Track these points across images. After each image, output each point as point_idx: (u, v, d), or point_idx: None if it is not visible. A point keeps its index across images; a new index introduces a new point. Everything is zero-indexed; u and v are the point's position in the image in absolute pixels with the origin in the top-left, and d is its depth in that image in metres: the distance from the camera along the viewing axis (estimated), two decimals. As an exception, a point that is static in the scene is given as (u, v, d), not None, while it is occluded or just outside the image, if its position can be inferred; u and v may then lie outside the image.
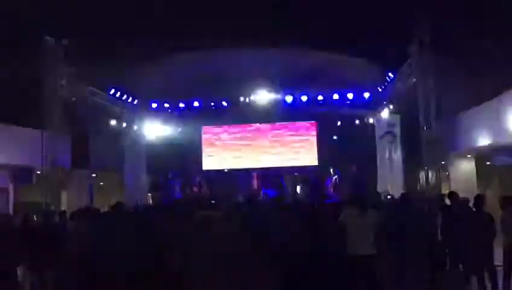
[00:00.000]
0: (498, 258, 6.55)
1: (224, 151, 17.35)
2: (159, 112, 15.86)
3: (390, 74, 13.05)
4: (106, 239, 6.14)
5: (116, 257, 5.93)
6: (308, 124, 17.05)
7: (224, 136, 17.46)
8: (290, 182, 16.05)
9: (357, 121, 15.67)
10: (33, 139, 11.92)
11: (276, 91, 14.94)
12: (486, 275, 6.47)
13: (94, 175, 16.00)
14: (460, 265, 7.19)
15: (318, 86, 14.41)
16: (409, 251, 6.48)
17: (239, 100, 15.21)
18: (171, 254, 4.20)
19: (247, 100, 15.17)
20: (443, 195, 8.82)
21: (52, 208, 10.62)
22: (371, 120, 15.25)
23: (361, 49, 13.02)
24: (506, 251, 6.30)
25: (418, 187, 12.31)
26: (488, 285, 6.47)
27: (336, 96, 14.48)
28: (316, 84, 14.35)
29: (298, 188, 15.83)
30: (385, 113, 14.27)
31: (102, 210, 8.32)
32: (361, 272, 5.43)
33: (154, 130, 16.38)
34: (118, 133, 15.56)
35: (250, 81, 14.54)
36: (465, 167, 14.08)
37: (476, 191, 9.82)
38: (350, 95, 14.42)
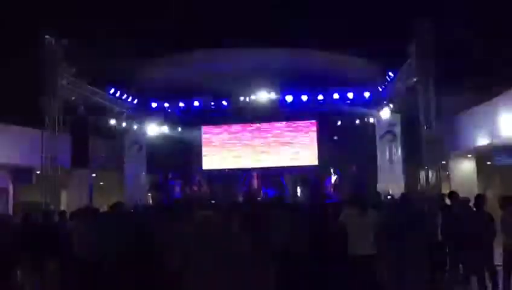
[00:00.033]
0: (498, 258, 6.54)
1: (224, 151, 17.32)
2: (159, 111, 15.86)
3: (390, 74, 13.02)
4: (106, 239, 6.14)
5: (116, 256, 5.93)
6: (309, 124, 17.01)
7: (224, 135, 17.44)
8: (290, 181, 16.02)
9: (357, 121, 15.62)
10: (33, 139, 11.91)
11: (276, 91, 14.91)
12: (486, 275, 6.46)
13: (94, 175, 16.00)
14: (461, 265, 7.19)
15: (318, 86, 14.38)
16: (409, 251, 6.47)
17: (239, 100, 15.19)
18: (171, 254, 4.18)
19: (247, 100, 15.14)
20: (443, 195, 8.80)
21: (52, 207, 10.62)
22: (371, 120, 15.22)
23: (361, 49, 13.01)
24: (506, 250, 6.29)
25: (418, 187, 12.28)
26: (489, 285, 6.46)
27: (336, 96, 14.45)
28: (316, 84, 14.32)
29: (298, 188, 15.81)
30: (385, 113, 14.24)
31: (102, 210, 8.31)
32: (361, 272, 5.42)
33: (154, 129, 16.38)
34: (117, 133, 15.56)
35: (250, 81, 14.52)
36: (466, 167, 14.08)
37: (476, 191, 9.83)
38: (350, 95, 14.39)
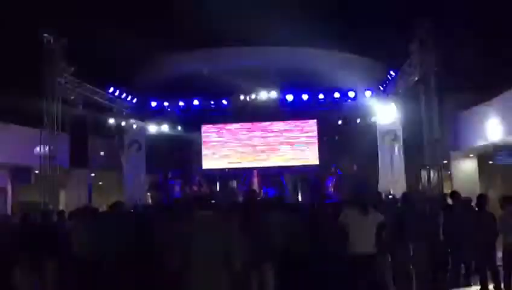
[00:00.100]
0: (498, 258, 6.50)
1: (224, 150, 17.26)
2: (159, 110, 15.78)
3: (392, 72, 12.96)
4: (105, 239, 6.10)
5: (115, 256, 5.89)
6: (309, 123, 16.95)
7: (224, 135, 17.38)
8: (291, 181, 15.97)
9: (358, 120, 15.56)
10: (31, 139, 11.86)
11: (277, 90, 14.85)
12: (488, 274, 6.42)
13: (93, 175, 15.94)
14: (462, 265, 7.15)
15: (319, 85, 14.32)
16: (410, 250, 6.43)
17: (239, 99, 15.12)
18: (170, 254, 4.14)
19: (247, 99, 15.08)
20: (445, 195, 8.77)
21: (51, 207, 10.57)
22: (372, 119, 15.16)
23: (363, 48, 12.98)
24: (506, 250, 6.25)
25: (420, 187, 12.23)
26: (490, 285, 6.42)
27: (337, 95, 14.37)
28: (317, 83, 14.26)
29: (298, 188, 15.76)
30: (387, 112, 14.18)
31: (101, 210, 8.27)
32: (361, 271, 5.38)
33: (154, 129, 16.32)
34: (117, 132, 15.50)
35: (250, 80, 14.46)
36: (467, 166, 14.03)
37: (478, 191, 9.80)
38: (351, 94, 14.32)
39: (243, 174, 16.42)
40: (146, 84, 15.11)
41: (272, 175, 16.17)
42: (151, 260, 5.52)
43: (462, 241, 6.70)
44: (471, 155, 13.81)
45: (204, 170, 17.09)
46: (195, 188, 15.63)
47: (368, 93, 14.31)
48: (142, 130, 16.11)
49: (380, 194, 10.38)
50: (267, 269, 5.59)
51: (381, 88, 14.12)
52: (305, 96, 14.61)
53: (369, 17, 13.43)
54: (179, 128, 16.75)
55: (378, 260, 5.68)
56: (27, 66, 11.75)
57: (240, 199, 14.21)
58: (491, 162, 13.26)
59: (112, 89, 14.28)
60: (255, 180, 15.93)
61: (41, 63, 11.14)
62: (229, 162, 17.16)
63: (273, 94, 14.89)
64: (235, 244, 3.92)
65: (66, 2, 13.69)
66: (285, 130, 17.10)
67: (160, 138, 16.34)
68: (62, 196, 13.11)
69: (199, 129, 17.28)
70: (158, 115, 15.97)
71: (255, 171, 16.15)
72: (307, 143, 16.89)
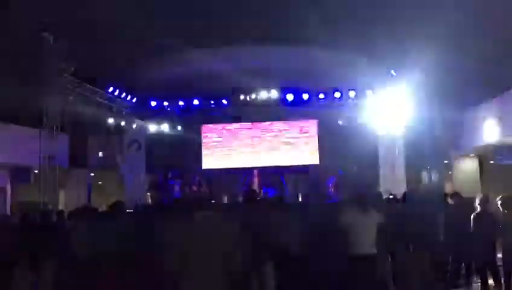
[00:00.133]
0: (498, 258, 6.48)
1: (224, 150, 17.24)
2: (159, 110, 15.76)
3: (392, 72, 12.94)
4: (105, 239, 6.07)
5: (115, 256, 5.86)
6: (309, 123, 16.93)
7: (224, 135, 17.35)
8: (291, 181, 15.96)
9: (358, 120, 15.53)
10: (31, 138, 11.84)
11: (277, 89, 14.82)
12: (488, 274, 6.40)
13: (92, 174, 15.92)
14: (463, 265, 7.12)
15: (319, 84, 14.29)
16: (410, 250, 6.41)
17: (239, 99, 15.10)
18: (170, 254, 4.13)
19: (247, 99, 15.06)
20: (446, 195, 8.74)
21: (50, 207, 10.55)
22: (373, 119, 15.12)
23: (363, 47, 12.93)
24: (505, 250, 6.22)
25: (421, 187, 12.22)
26: (491, 285, 6.39)
27: (337, 95, 14.36)
28: (317, 82, 14.24)
29: (298, 188, 15.74)
30: (387, 112, 14.16)
31: (100, 210, 8.24)
32: (361, 272, 5.35)
33: (154, 128, 16.30)
34: (116, 132, 15.48)
35: (250, 79, 14.42)
36: (468, 166, 13.99)
37: (479, 191, 9.77)
38: (352, 93, 14.30)
39: (243, 174, 16.40)
40: (146, 84, 15.07)
41: (272, 175, 16.16)
42: (151, 260, 5.50)
43: (462, 242, 6.67)
44: (472, 155, 13.78)
45: (204, 170, 17.07)
46: (195, 188, 15.62)
47: (368, 92, 14.29)
48: (141, 130, 16.10)
49: (380, 194, 10.37)
50: (267, 269, 5.56)
51: (382, 87, 14.09)
52: (305, 96, 14.59)
53: (370, 16, 13.39)
54: (179, 128, 16.73)
55: (379, 261, 5.66)
56: (27, 65, 11.72)
57: (240, 199, 14.19)
58: (492, 162, 13.23)
59: (111, 89, 14.26)
60: (255, 180, 15.93)
61: (41, 62, 11.12)
62: (229, 162, 17.14)
63: (273, 94, 14.88)
64: (235, 245, 3.90)
65: (66, 2, 13.66)
66: (285, 130, 17.07)
67: (160, 137, 16.33)
68: (61, 195, 13.09)
69: (199, 129, 17.26)
70: (158, 114, 15.96)
71: (255, 171, 16.14)
72: (307, 143, 16.86)
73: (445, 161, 12.25)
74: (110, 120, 14.69)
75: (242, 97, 15.03)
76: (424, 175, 11.32)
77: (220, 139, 17.34)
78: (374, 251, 5.42)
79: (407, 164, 14.07)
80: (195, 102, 15.11)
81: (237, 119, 16.77)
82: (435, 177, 10.69)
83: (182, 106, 15.34)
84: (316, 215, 6.41)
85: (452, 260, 7.26)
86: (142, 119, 15.91)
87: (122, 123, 15.22)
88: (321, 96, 14.50)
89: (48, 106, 11.30)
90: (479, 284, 6.49)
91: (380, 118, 14.75)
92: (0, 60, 12.71)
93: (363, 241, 5.39)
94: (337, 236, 5.55)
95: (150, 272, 5.55)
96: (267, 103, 15.09)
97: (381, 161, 14.63)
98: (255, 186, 15.56)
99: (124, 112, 15.18)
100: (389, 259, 6.92)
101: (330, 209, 6.84)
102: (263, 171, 16.33)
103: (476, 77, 12.22)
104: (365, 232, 5.42)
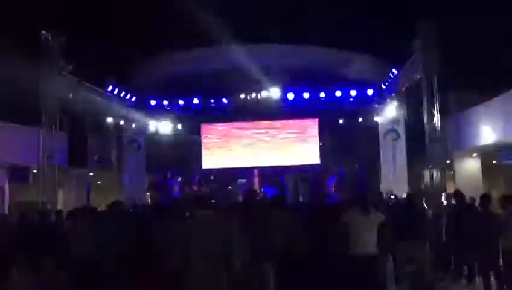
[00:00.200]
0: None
1: (224, 150, 17.16)
2: (158, 109, 15.68)
3: (394, 70, 12.86)
4: (104, 238, 6.02)
5: (114, 256, 5.80)
6: (310, 122, 16.84)
7: (224, 134, 17.28)
8: (291, 181, 15.90)
9: (360, 119, 15.42)
10: (30, 138, 11.77)
11: (278, 88, 14.73)
12: (491, 274, 6.33)
13: (91, 174, 15.85)
14: (465, 265, 7.06)
15: (320, 83, 14.21)
16: (412, 251, 6.35)
17: (240, 97, 15.01)
18: (170, 253, 4.08)
19: (248, 98, 14.97)
20: (448, 194, 8.69)
21: (49, 207, 10.49)
22: (374, 117, 15.04)
23: (365, 45, 12.90)
24: (505, 250, 6.15)
25: (423, 186, 12.14)
26: (493, 285, 6.32)
27: (338, 93, 14.27)
28: (318, 81, 14.15)
29: (299, 188, 15.67)
30: (389, 111, 14.08)
31: (99, 209, 8.18)
32: (362, 272, 5.30)
33: (153, 128, 16.22)
34: (116, 131, 15.40)
35: (251, 79, 14.36)
36: (470, 166, 13.92)
37: (481, 190, 9.69)
38: (353, 92, 14.22)
39: (243, 174, 16.33)
40: (145, 83, 15.01)
41: (272, 175, 16.09)
42: (150, 259, 5.44)
43: (464, 242, 6.61)
44: (475, 155, 13.70)
45: (204, 169, 17.00)
46: (195, 187, 15.58)
47: (369, 91, 14.21)
48: (141, 129, 16.01)
49: (381, 194, 10.32)
50: (267, 269, 5.50)
51: (383, 86, 14.01)
52: (306, 95, 14.50)
53: (373, 14, 13.36)
54: (179, 127, 16.64)
55: (380, 261, 5.61)
56: (25, 64, 11.65)
57: (240, 199, 14.12)
58: (494, 162, 13.15)
59: (111, 88, 14.17)
60: (255, 180, 15.86)
61: (39, 61, 11.05)
62: (229, 162, 17.05)
63: (274, 93, 14.77)
64: (235, 244, 3.87)
65: (66, 1, 13.63)
66: (286, 129, 17.00)
67: (159, 137, 16.24)
68: (60, 195, 13.02)
69: (199, 128, 17.18)
70: (157, 114, 15.87)
71: (255, 171, 16.07)
72: (308, 142, 16.78)
73: (448, 161, 12.17)
74: (110, 119, 14.59)
75: (242, 96, 14.94)
76: (426, 175, 11.23)
77: (220, 138, 17.26)
78: (374, 251, 5.36)
79: (409, 164, 14.01)
80: (195, 101, 15.01)
81: (237, 118, 16.68)
82: (436, 177, 10.60)
83: (182, 105, 15.24)
84: (317, 216, 6.35)
85: (454, 261, 7.22)
86: (141, 118, 15.82)
87: (122, 122, 15.13)
88: (322, 95, 14.39)
89: (47, 104, 11.22)
90: (482, 284, 6.42)
91: (381, 117, 14.68)
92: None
93: (364, 242, 5.35)
94: (337, 236, 5.50)
95: (149, 272, 5.48)
96: (267, 102, 14.99)
97: (382, 161, 14.56)
98: (255, 186, 15.50)
99: (123, 111, 15.09)
100: (390, 259, 6.87)
101: (331, 209, 6.78)
102: (263, 171, 16.26)
103: (477, 76, 12.18)
104: (366, 233, 5.38)
